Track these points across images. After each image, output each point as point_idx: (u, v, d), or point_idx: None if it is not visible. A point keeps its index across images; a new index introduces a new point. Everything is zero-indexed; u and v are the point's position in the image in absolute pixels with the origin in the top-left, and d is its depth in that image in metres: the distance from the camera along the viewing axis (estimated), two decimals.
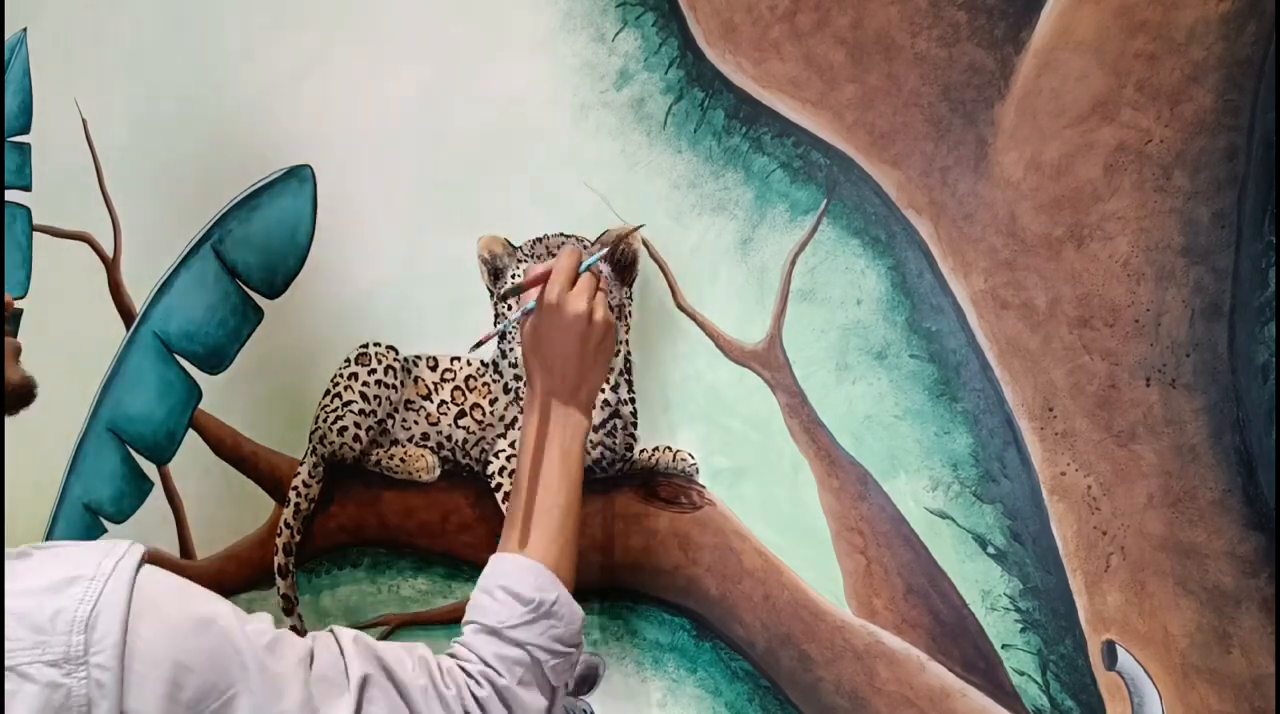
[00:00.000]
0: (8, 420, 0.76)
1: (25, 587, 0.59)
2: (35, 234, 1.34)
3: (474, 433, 1.06)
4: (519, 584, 0.77)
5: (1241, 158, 0.74)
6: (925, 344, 0.86)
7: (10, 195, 1.34)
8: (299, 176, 1.13)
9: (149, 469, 1.26)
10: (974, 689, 0.86)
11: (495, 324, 1.03)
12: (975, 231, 0.83)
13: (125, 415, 1.27)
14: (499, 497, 1.04)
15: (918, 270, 0.86)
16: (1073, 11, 0.78)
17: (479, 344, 0.85)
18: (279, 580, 1.15)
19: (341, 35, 1.09)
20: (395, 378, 1.08)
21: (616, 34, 0.96)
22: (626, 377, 0.99)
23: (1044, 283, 0.81)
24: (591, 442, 1.00)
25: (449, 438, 1.07)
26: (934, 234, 0.85)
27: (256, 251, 1.16)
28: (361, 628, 1.11)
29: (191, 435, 1.23)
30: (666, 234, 0.95)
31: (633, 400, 0.99)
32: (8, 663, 0.56)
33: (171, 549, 1.25)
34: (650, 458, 0.99)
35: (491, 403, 1.05)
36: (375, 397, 1.08)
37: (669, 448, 0.98)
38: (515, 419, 1.03)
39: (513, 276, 1.00)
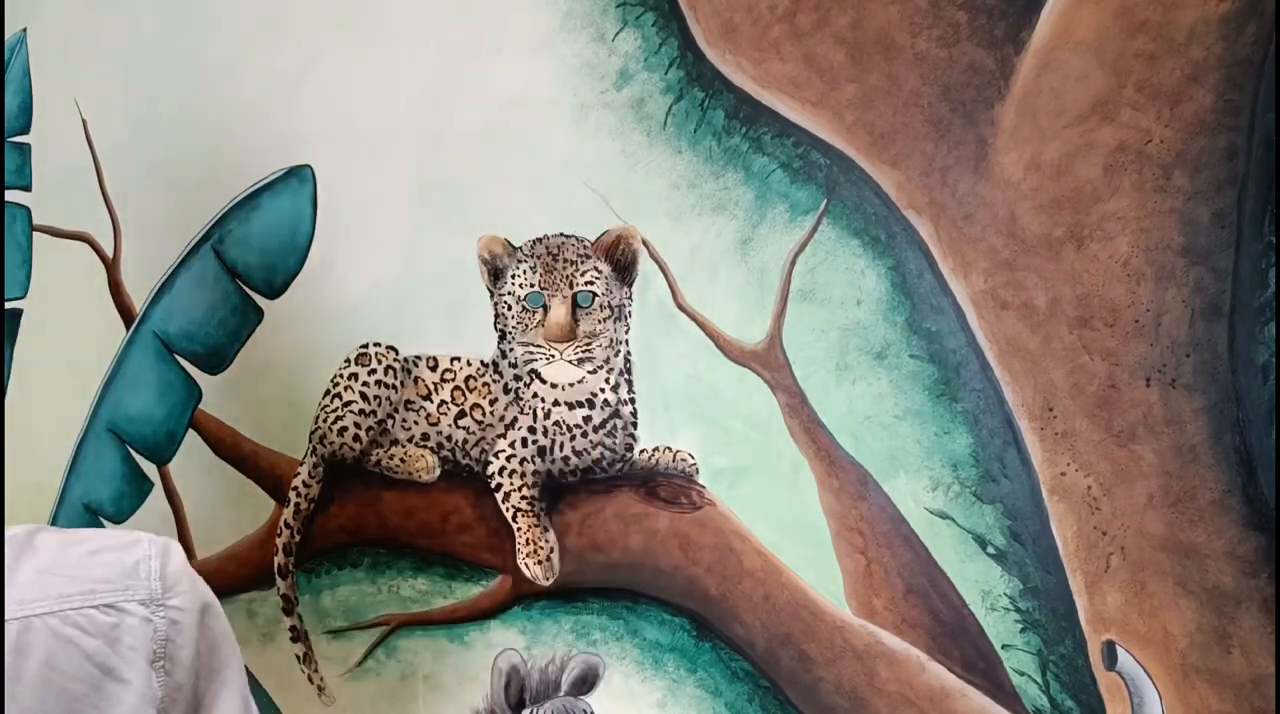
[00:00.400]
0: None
1: (99, 545, 0.67)
2: (35, 234, 1.33)
3: (474, 433, 1.06)
4: None
5: (1241, 158, 0.74)
6: (925, 344, 0.86)
7: (10, 195, 1.34)
8: (299, 176, 1.13)
9: (149, 469, 1.26)
10: (974, 689, 0.86)
11: (495, 323, 1.03)
12: (975, 231, 0.83)
13: (125, 415, 1.27)
14: (499, 497, 1.04)
15: (918, 270, 0.86)
16: (1073, 11, 0.78)
17: None
18: (279, 580, 1.15)
19: (341, 35, 1.09)
20: (395, 378, 1.08)
21: (616, 34, 0.96)
22: (626, 377, 0.99)
23: (1044, 283, 0.81)
24: (591, 442, 1.00)
25: (449, 438, 1.07)
26: (934, 234, 0.85)
27: (256, 251, 1.16)
28: (361, 628, 1.12)
29: (191, 435, 1.23)
30: (666, 234, 0.95)
31: (633, 400, 0.99)
32: (108, 600, 0.64)
33: None
34: (650, 458, 0.99)
35: (491, 403, 1.05)
36: (375, 397, 1.08)
37: (669, 448, 0.98)
38: (515, 419, 1.03)
39: (512, 276, 1.00)
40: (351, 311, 1.11)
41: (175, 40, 1.20)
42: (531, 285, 1.00)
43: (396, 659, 1.11)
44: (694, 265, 0.94)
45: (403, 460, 1.08)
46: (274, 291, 1.16)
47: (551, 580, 1.03)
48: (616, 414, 0.99)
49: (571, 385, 1.00)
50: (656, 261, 0.96)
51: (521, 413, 1.03)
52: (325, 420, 1.11)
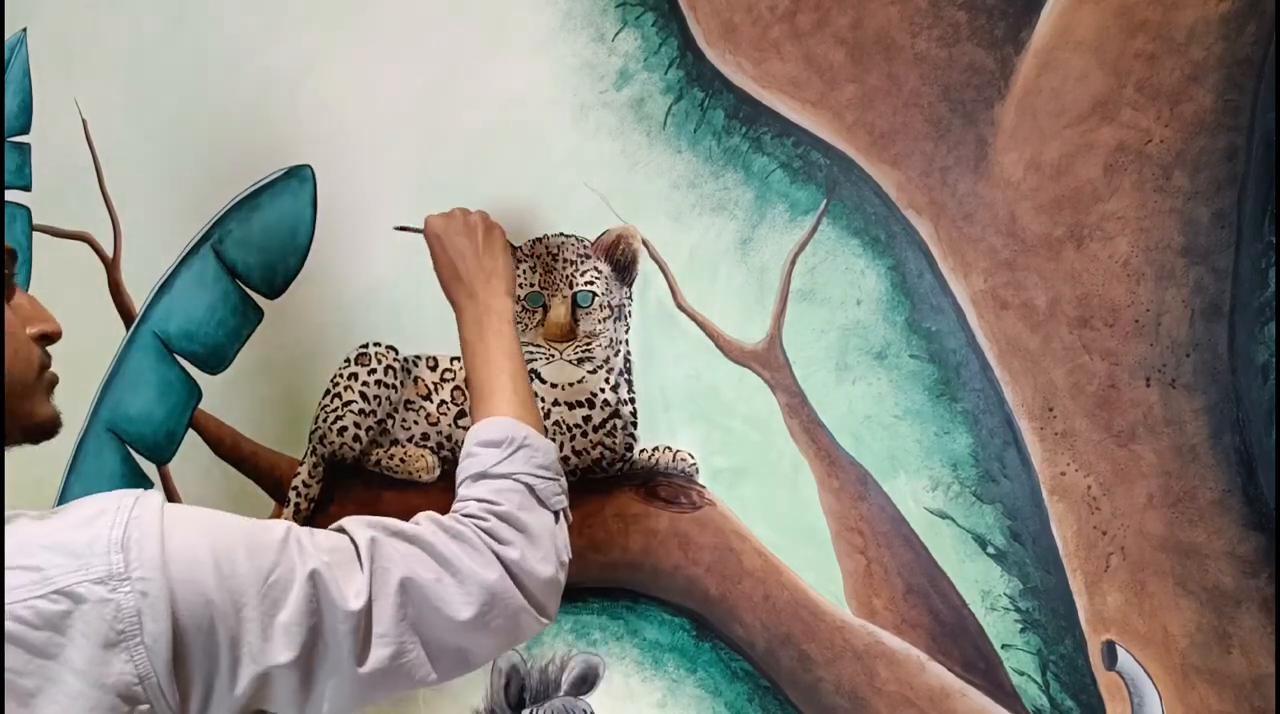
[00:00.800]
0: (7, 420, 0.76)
1: (56, 527, 0.64)
2: (35, 234, 1.33)
3: None
4: (491, 435, 0.81)
5: (1241, 158, 0.74)
6: (925, 344, 0.86)
7: (10, 195, 1.34)
8: (299, 176, 1.13)
9: (149, 469, 1.26)
10: (974, 689, 0.86)
11: None
12: (975, 231, 0.83)
13: (125, 415, 1.27)
14: None
15: (918, 270, 0.86)
16: (1073, 11, 0.78)
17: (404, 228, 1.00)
18: None
19: (341, 35, 1.09)
20: (395, 378, 1.08)
21: (616, 34, 0.96)
22: (626, 377, 0.99)
23: (1044, 283, 0.81)
24: (591, 442, 1.00)
25: (449, 438, 1.07)
26: (934, 234, 0.85)
27: (256, 251, 1.16)
28: None
29: (191, 435, 1.23)
30: (666, 234, 0.95)
31: (633, 400, 0.99)
32: (58, 585, 0.60)
33: None
34: (650, 458, 0.99)
35: None
36: (375, 397, 1.08)
37: (669, 448, 0.98)
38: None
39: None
40: (351, 311, 1.11)
41: (175, 40, 1.20)
42: (531, 285, 1.00)
43: None
44: (694, 265, 0.94)
45: (403, 460, 1.08)
46: (274, 291, 1.16)
47: None
48: (616, 414, 0.99)
49: (571, 385, 1.00)
50: (656, 261, 0.96)
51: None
52: (325, 420, 1.11)
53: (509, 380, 0.85)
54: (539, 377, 1.01)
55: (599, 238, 0.98)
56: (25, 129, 1.33)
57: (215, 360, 1.20)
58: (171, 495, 1.24)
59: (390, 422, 1.09)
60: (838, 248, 0.88)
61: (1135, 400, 0.78)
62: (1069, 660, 0.82)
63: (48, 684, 0.60)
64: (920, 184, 0.85)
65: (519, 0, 0.99)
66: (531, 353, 1.00)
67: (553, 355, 1.00)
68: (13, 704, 0.60)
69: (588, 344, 0.99)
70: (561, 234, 1.00)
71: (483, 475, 0.79)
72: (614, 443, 1.00)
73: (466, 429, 1.05)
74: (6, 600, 0.60)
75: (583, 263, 0.98)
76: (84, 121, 1.28)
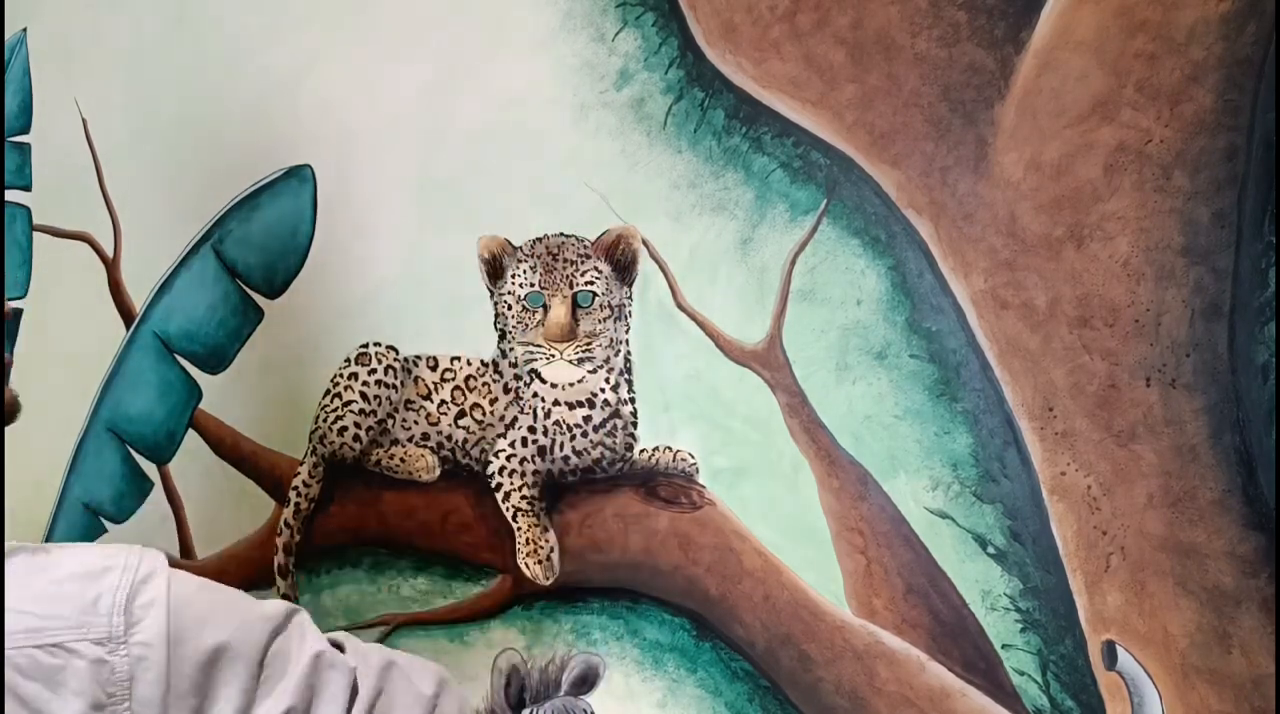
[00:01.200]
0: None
1: (58, 577, 0.63)
2: (35, 234, 1.33)
3: (474, 433, 1.06)
4: None
5: (1241, 158, 0.74)
6: (925, 344, 0.86)
7: (10, 195, 1.34)
8: (299, 176, 1.13)
9: (149, 469, 1.26)
10: (974, 689, 0.86)
11: (495, 323, 1.03)
12: (975, 231, 0.83)
13: (125, 415, 1.27)
14: (499, 496, 1.04)
15: (918, 270, 0.86)
16: (1073, 11, 0.78)
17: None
18: (279, 580, 1.15)
19: (341, 35, 1.09)
20: (395, 378, 1.08)
21: (616, 34, 0.96)
22: (626, 377, 0.99)
23: (1044, 283, 0.81)
24: (591, 442, 1.00)
25: (449, 438, 1.07)
26: (934, 234, 0.85)
27: (256, 251, 1.16)
28: (361, 628, 1.12)
29: (191, 435, 1.23)
30: (666, 234, 0.95)
31: (633, 400, 0.99)
32: (58, 639, 0.60)
33: (171, 549, 1.25)
34: (650, 458, 0.99)
35: (491, 403, 1.05)
36: (375, 397, 1.08)
37: (669, 448, 0.98)
38: (515, 419, 1.03)
39: (512, 276, 1.00)
40: (351, 311, 1.11)
41: (175, 40, 1.20)
42: (531, 285, 1.00)
43: None
44: (694, 265, 0.94)
45: (403, 460, 1.08)
46: (274, 291, 1.16)
47: (552, 580, 1.03)
48: (616, 414, 1.00)
49: (571, 385, 1.00)
50: (656, 261, 0.96)
51: (521, 412, 1.03)
52: (325, 420, 1.11)
53: None
54: (539, 377, 1.01)
55: (599, 238, 0.98)
56: (25, 129, 1.33)
57: (215, 360, 1.20)
58: (171, 495, 1.24)
59: (390, 421, 1.09)
60: (838, 248, 0.88)
61: (1135, 400, 0.78)
62: (1069, 660, 0.82)
63: None
64: (920, 184, 0.85)
65: (519, 0, 0.99)
66: (531, 353, 1.00)
67: (553, 355, 1.00)
68: None
69: (588, 344, 0.99)
70: (561, 234, 1.00)
71: None
72: (614, 443, 1.00)
73: (467, 429, 1.06)
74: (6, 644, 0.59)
75: (583, 263, 0.98)
76: (84, 121, 1.28)
